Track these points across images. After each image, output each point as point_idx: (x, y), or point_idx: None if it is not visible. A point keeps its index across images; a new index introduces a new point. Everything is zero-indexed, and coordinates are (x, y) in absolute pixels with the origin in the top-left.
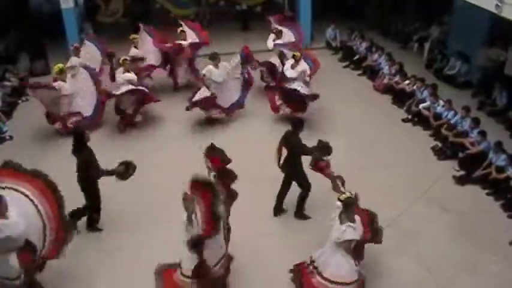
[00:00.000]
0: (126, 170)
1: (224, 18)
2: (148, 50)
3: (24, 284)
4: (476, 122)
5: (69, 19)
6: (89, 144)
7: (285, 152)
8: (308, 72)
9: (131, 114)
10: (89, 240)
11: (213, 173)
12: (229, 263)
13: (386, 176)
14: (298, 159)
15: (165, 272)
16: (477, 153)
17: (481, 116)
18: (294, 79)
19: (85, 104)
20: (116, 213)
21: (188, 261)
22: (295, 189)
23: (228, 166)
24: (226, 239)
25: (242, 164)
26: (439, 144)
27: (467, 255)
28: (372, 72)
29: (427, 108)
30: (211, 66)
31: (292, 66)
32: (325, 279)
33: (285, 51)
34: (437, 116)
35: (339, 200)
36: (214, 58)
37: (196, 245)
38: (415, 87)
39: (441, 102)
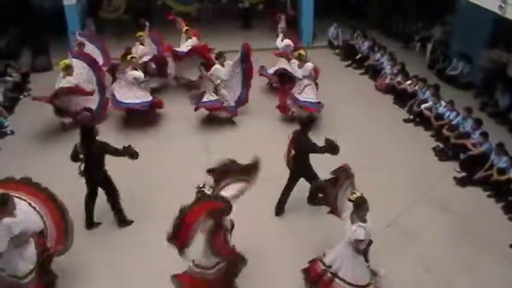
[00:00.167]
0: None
1: (226, 16)
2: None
3: (39, 267)
4: (478, 123)
5: (72, 15)
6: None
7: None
8: (313, 71)
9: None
10: (91, 237)
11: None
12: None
13: (387, 176)
14: (306, 158)
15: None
16: (478, 155)
17: (483, 117)
18: (305, 77)
19: (89, 99)
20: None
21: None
22: (297, 190)
23: None
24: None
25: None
26: (441, 145)
27: (467, 257)
28: (374, 72)
29: (429, 109)
30: (218, 65)
31: (299, 66)
32: (344, 281)
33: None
34: (439, 117)
35: (349, 200)
36: (220, 57)
37: None
38: (417, 87)
39: (443, 103)
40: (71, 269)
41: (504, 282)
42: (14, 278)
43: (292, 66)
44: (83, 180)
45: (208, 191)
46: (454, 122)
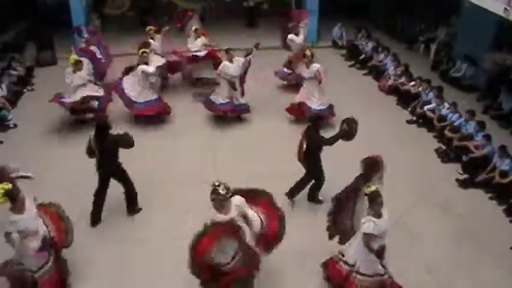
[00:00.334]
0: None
1: (231, 14)
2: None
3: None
4: (481, 125)
5: (76, 11)
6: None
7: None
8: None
9: None
10: (92, 234)
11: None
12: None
13: (389, 176)
14: (315, 153)
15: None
16: (481, 157)
17: (486, 119)
18: (310, 78)
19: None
20: (121, 206)
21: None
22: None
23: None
24: None
25: (249, 161)
26: (443, 147)
27: (468, 258)
28: (378, 73)
29: (432, 110)
30: (226, 62)
31: (306, 66)
32: (366, 275)
33: None
34: (442, 118)
35: (365, 193)
36: (227, 53)
37: None
38: (420, 88)
39: (446, 105)
40: (72, 266)
41: (505, 284)
42: (29, 272)
43: (301, 67)
44: (83, 175)
45: (222, 191)
46: (456, 124)
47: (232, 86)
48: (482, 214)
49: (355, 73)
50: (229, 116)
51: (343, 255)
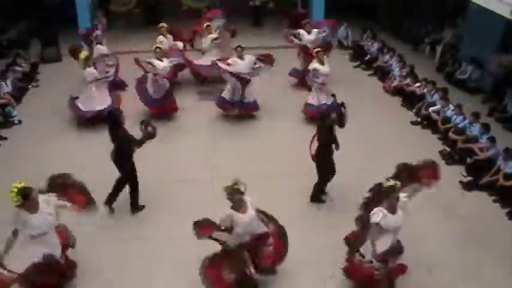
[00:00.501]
0: (149, 129)
1: (236, 13)
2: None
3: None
4: (486, 128)
5: (82, 7)
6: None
7: None
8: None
9: None
10: (96, 232)
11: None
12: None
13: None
14: (325, 150)
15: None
16: (485, 160)
17: (490, 122)
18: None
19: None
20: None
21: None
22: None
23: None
24: None
25: (255, 160)
26: (447, 149)
27: (471, 261)
28: (383, 74)
29: (437, 112)
30: (236, 58)
31: (322, 63)
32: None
33: None
34: (446, 120)
35: (384, 186)
36: (236, 50)
37: None
38: (425, 90)
39: (451, 107)
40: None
41: (507, 285)
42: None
43: (316, 65)
44: (87, 171)
45: (243, 189)
46: (460, 126)
47: (242, 83)
48: (485, 216)
49: (360, 73)
50: (239, 114)
51: (363, 256)
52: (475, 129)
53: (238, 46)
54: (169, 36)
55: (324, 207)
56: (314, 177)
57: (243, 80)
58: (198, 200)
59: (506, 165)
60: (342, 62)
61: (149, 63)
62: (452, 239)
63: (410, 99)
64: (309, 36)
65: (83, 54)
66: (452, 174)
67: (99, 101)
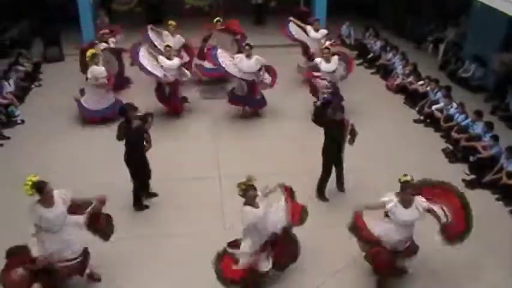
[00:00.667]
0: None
1: (238, 11)
2: None
3: None
4: (490, 126)
5: (84, 6)
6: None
7: None
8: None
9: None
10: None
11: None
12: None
13: (395, 176)
14: (328, 143)
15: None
16: (488, 158)
17: (493, 120)
18: (332, 72)
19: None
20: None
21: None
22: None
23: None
24: None
25: (258, 159)
26: (450, 147)
27: (473, 259)
28: (386, 72)
29: (440, 110)
30: (243, 55)
31: (327, 60)
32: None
33: None
34: (449, 118)
35: (398, 179)
36: (245, 48)
37: None
38: (428, 88)
39: (454, 105)
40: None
41: (510, 286)
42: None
43: (320, 61)
44: (90, 171)
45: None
46: (463, 124)
47: (251, 81)
48: (488, 215)
49: (363, 72)
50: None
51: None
52: (478, 128)
53: (247, 44)
54: (177, 36)
55: (325, 206)
56: (315, 177)
57: (245, 81)
58: (202, 198)
59: (509, 164)
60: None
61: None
62: None
63: (413, 97)
64: (315, 34)
65: (90, 52)
66: (455, 173)
67: (103, 100)
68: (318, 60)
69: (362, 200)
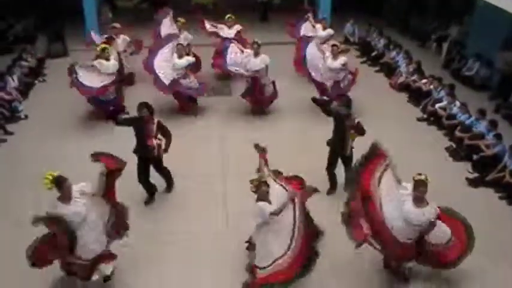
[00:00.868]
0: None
1: (244, 9)
2: None
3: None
4: (493, 124)
5: (89, 2)
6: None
7: None
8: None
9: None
10: None
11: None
12: None
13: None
14: (333, 135)
15: None
16: (491, 156)
17: (497, 119)
18: (339, 70)
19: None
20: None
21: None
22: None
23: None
24: None
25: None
26: (453, 145)
27: (475, 258)
28: (389, 70)
29: (444, 108)
30: (251, 52)
31: (334, 58)
32: None
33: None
34: (452, 117)
35: (413, 177)
36: (253, 45)
37: None
38: (432, 86)
39: (458, 103)
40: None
41: None
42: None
43: (328, 58)
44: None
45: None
46: (467, 122)
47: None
48: (491, 213)
49: (367, 69)
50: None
51: None
52: (481, 126)
53: (255, 42)
54: (185, 33)
55: (325, 205)
56: (316, 177)
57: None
58: (208, 197)
59: None
60: (348, 58)
61: None
62: None
63: (416, 96)
64: (321, 32)
65: (102, 46)
66: (458, 171)
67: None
68: (327, 54)
69: None
